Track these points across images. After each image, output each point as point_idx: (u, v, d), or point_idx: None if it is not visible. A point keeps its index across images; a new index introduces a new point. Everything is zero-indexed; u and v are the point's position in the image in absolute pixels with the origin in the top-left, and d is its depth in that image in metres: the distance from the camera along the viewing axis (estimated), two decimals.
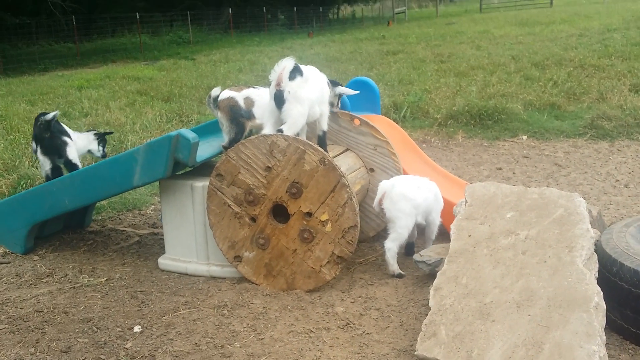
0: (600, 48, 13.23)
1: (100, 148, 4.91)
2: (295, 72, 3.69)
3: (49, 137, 4.56)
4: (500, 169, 6.41)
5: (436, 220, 4.14)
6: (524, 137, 7.65)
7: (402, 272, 3.94)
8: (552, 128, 7.83)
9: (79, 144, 4.81)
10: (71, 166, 4.61)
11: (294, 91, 3.68)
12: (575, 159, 6.64)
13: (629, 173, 6.03)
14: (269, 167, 3.70)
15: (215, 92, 4.09)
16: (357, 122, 4.49)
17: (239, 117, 3.99)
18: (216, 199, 3.85)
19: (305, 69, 3.83)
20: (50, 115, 4.52)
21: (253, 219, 3.80)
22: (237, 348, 3.13)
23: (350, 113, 4.51)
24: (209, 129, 4.78)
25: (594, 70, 10.87)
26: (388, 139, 4.50)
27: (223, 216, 3.85)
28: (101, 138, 4.99)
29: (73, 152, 4.65)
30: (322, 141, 4.08)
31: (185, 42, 25.39)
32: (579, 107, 8.71)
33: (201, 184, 3.99)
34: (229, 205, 3.82)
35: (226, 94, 4.05)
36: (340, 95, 4.32)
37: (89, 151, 4.96)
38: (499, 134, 7.81)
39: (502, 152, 7.12)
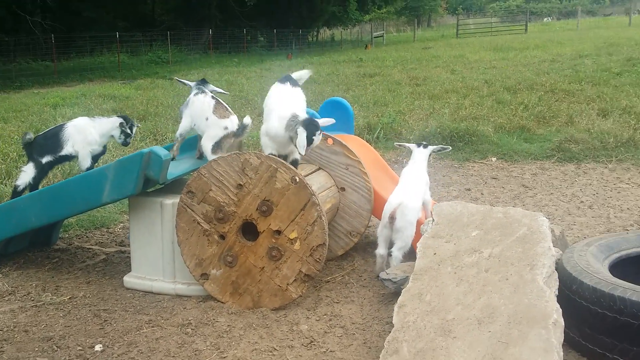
0: (571, 73, 13.58)
1: (122, 136, 4.64)
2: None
3: None
4: (469, 189, 6.50)
5: None
6: (494, 159, 7.77)
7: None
8: (521, 150, 7.97)
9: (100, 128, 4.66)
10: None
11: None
12: (542, 181, 6.76)
13: (594, 195, 6.15)
14: (240, 184, 3.71)
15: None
16: (330, 141, 4.54)
17: None
18: (186, 216, 3.85)
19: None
20: None
21: (222, 237, 3.80)
22: None
23: (323, 132, 4.55)
24: (181, 147, 4.78)
25: (564, 95, 11.14)
26: (360, 159, 4.55)
27: (192, 233, 3.84)
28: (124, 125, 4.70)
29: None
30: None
31: (164, 62, 25.35)
32: (548, 131, 8.89)
33: (171, 202, 3.99)
34: (198, 223, 3.82)
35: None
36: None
37: (112, 136, 4.69)
38: (469, 156, 7.92)
39: (472, 173, 7.22)
